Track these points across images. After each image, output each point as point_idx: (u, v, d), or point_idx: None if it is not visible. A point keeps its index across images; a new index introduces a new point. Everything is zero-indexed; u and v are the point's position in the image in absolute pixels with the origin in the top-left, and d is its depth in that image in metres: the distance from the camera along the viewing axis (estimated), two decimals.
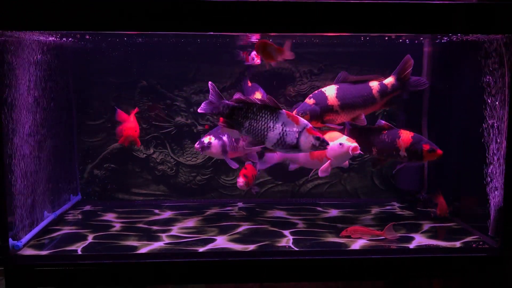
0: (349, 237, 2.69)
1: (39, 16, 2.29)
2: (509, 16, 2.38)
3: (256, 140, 2.51)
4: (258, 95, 3.07)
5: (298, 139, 2.46)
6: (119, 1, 2.29)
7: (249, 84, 3.19)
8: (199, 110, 2.56)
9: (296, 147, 2.47)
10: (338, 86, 2.85)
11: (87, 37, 2.97)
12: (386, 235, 2.68)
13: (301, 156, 2.90)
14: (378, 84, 2.81)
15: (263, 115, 2.47)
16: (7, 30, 2.37)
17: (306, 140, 2.45)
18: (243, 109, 2.49)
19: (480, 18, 2.40)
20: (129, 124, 3.17)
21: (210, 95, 2.53)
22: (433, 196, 3.16)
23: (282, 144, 2.47)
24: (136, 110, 3.26)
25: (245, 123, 2.49)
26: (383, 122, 2.88)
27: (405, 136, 2.79)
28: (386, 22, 2.39)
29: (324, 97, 2.81)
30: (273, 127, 2.46)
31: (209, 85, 2.53)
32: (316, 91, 2.88)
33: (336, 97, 2.80)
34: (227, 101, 2.51)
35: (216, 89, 2.54)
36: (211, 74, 3.41)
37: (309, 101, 2.84)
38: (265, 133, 2.47)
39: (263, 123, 2.47)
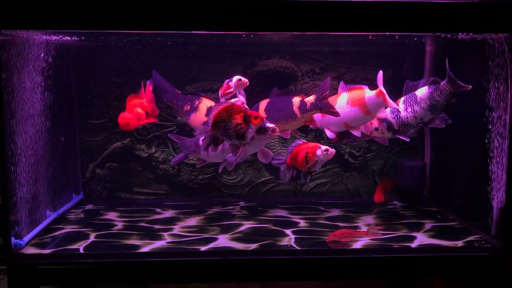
0: (337, 242, 2.65)
1: (40, 15, 2.29)
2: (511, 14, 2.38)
3: None
4: (207, 102, 3.08)
5: None
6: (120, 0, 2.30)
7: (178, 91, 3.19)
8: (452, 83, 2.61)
9: None
10: (269, 100, 2.94)
11: (88, 36, 2.98)
12: (369, 235, 2.67)
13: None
14: (299, 101, 2.86)
15: None
16: (7, 29, 2.37)
17: None
18: None
19: (483, 17, 2.40)
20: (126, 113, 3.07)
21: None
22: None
23: None
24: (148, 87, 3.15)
25: None
26: None
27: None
28: (388, 21, 2.39)
29: (257, 108, 2.93)
30: None
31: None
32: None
33: (264, 110, 2.91)
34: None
35: None
36: (213, 73, 3.41)
37: None
38: None
39: None
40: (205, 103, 3.08)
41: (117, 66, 3.34)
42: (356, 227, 2.88)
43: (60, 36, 2.89)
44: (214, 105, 2.76)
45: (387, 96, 2.74)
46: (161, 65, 3.35)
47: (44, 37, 2.77)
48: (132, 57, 3.32)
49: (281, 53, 3.41)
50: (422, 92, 2.81)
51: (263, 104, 2.94)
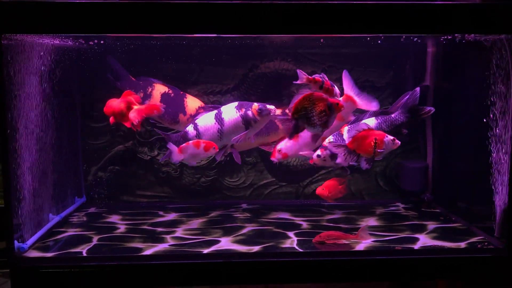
0: (323, 243, 2.64)
1: (43, 19, 2.30)
2: None
3: None
4: (160, 88, 3.09)
5: None
6: (123, 4, 2.30)
7: (133, 79, 3.17)
8: None
9: None
10: None
11: (95, 41, 2.99)
12: (360, 238, 2.66)
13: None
14: (281, 112, 2.89)
15: None
16: (8, 33, 2.38)
17: None
18: None
19: (484, 18, 2.40)
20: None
21: None
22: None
23: None
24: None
25: None
26: None
27: None
28: (390, 23, 2.39)
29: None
30: None
31: None
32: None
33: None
34: None
35: None
36: (214, 75, 3.41)
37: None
38: None
39: None
40: (159, 89, 3.08)
41: (119, 69, 3.34)
42: (358, 229, 2.87)
43: (62, 40, 2.90)
44: (296, 93, 2.64)
45: (355, 97, 2.80)
46: (163, 67, 3.36)
47: (46, 40, 2.78)
48: (134, 60, 3.32)
49: (283, 55, 3.41)
50: (369, 122, 2.78)
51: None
